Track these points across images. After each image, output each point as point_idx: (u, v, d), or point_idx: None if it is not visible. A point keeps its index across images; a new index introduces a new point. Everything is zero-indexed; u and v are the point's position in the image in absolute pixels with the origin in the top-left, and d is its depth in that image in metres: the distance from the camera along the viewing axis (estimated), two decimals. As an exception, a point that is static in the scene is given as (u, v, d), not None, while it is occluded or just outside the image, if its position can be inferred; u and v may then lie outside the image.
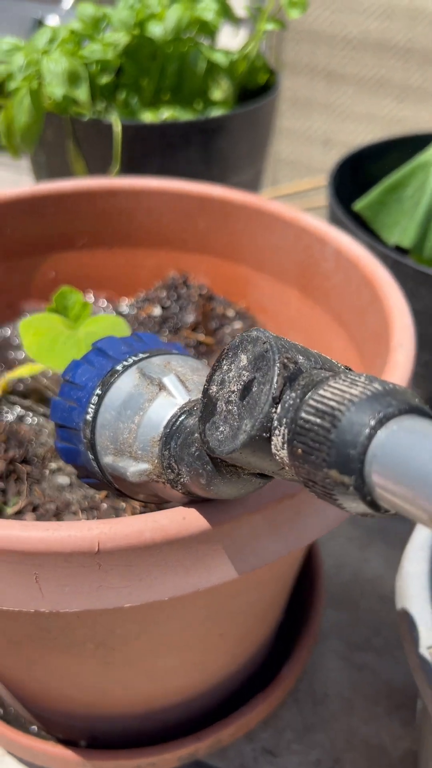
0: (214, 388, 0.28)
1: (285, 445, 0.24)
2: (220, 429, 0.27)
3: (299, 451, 0.24)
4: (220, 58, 0.77)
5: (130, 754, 0.45)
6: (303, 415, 0.24)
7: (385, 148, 0.74)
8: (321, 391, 0.24)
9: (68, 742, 0.49)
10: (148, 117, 0.79)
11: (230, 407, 0.27)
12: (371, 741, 0.52)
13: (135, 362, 0.33)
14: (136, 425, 0.31)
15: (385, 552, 0.66)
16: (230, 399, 0.27)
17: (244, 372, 0.27)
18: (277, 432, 0.25)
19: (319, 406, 0.23)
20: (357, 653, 0.58)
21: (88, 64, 0.75)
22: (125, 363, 0.33)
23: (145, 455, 0.30)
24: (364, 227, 0.58)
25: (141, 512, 0.42)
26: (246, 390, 0.26)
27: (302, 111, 1.43)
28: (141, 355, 0.34)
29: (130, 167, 0.73)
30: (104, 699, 0.44)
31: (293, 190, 1.20)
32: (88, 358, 0.35)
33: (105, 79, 0.81)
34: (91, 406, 0.33)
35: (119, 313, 0.56)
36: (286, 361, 0.25)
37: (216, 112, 0.79)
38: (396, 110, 1.33)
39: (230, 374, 0.27)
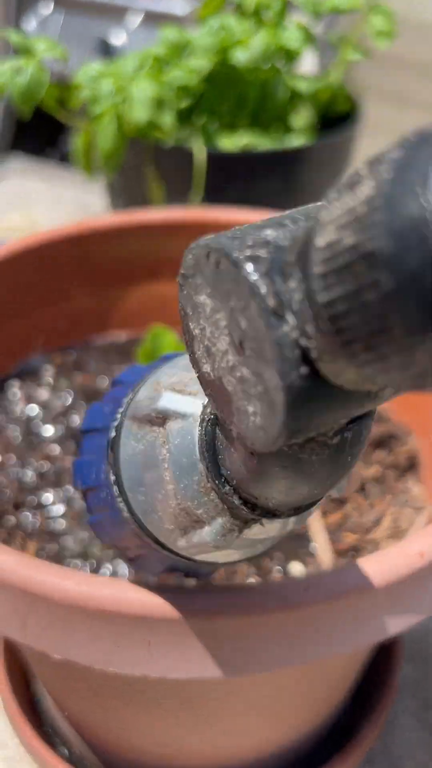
0: (206, 368, 0.19)
1: (332, 346, 0.15)
2: (250, 410, 0.18)
3: (342, 323, 0.15)
4: (303, 87, 0.76)
5: None
6: (320, 283, 0.15)
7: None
8: (319, 238, 0.15)
9: (132, 790, 0.48)
10: (225, 143, 0.78)
11: (238, 373, 0.18)
12: None
13: (121, 418, 0.24)
14: (173, 486, 0.22)
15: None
16: (231, 364, 0.18)
17: (216, 316, 0.18)
18: (311, 344, 0.16)
19: (334, 246, 0.15)
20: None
21: (170, 90, 0.74)
22: (114, 425, 0.24)
23: (208, 509, 0.21)
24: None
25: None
26: (235, 335, 0.18)
27: (369, 135, 1.41)
28: (125, 402, 0.25)
29: (210, 195, 0.72)
30: (178, 753, 0.42)
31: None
32: (81, 447, 0.27)
33: (184, 104, 0.80)
34: (119, 501, 0.24)
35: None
36: (250, 252, 0.17)
37: (296, 140, 0.78)
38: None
39: (207, 334, 0.19)
